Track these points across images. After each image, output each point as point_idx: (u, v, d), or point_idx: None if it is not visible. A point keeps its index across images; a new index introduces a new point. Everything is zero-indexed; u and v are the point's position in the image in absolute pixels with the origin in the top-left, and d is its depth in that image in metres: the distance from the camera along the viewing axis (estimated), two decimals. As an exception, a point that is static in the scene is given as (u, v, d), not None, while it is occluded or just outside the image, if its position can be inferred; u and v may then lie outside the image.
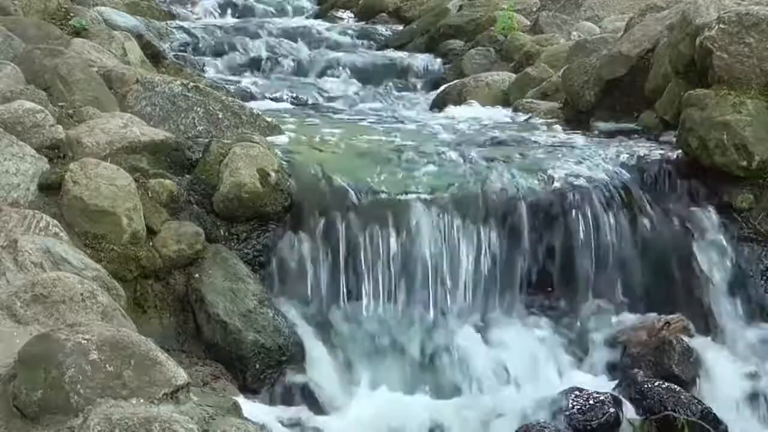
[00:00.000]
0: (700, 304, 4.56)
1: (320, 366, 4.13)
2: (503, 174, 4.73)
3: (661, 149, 5.05)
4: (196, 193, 4.44)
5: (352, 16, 11.15)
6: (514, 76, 7.23)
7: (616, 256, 4.59)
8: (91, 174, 4.07)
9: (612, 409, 3.90)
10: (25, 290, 3.30)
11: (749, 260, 4.62)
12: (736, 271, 4.61)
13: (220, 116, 5.24)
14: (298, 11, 11.49)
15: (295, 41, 9.19)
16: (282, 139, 5.19)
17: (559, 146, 5.22)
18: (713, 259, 4.62)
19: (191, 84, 5.45)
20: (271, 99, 7.56)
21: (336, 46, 9.27)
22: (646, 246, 4.63)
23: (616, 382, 4.20)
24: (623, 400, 4.01)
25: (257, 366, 4.01)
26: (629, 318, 4.51)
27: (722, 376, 4.28)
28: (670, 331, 4.36)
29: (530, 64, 7.38)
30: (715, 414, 4.00)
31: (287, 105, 7.44)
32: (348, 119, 6.30)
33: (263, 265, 4.38)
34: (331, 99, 7.75)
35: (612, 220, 4.62)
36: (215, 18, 10.72)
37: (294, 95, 7.70)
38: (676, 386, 4.07)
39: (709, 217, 4.69)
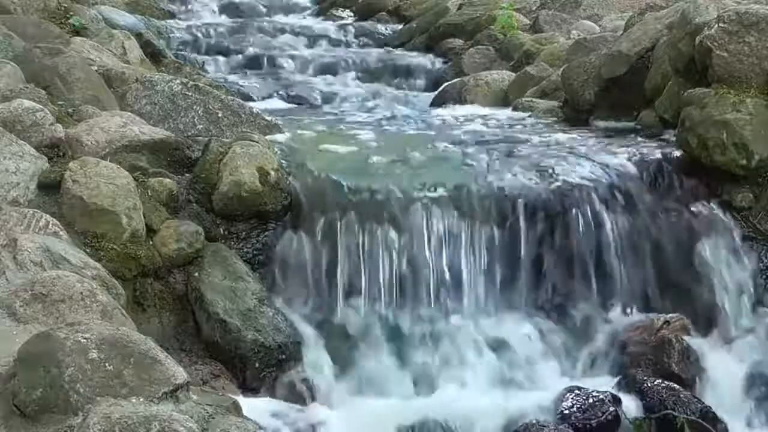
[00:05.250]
0: (700, 302, 4.56)
1: (319, 365, 4.13)
2: (503, 173, 4.73)
3: (661, 148, 5.05)
4: (195, 191, 4.44)
5: (352, 14, 11.14)
6: (513, 74, 7.23)
7: (616, 255, 4.59)
8: (91, 173, 4.07)
9: (611, 408, 3.90)
10: (24, 289, 3.30)
11: (749, 259, 4.62)
12: (735, 269, 4.61)
13: (219, 115, 5.24)
14: (298, 10, 11.48)
15: (295, 40, 9.19)
16: (281, 138, 5.19)
17: (558, 145, 5.21)
18: (713, 258, 4.61)
19: (191, 83, 5.45)
20: (271, 98, 7.56)
21: (335, 45, 9.27)
22: (645, 245, 4.63)
23: (616, 380, 4.20)
24: (623, 398, 4.01)
25: (257, 365, 4.01)
26: (629, 317, 4.51)
27: (722, 374, 4.29)
28: (669, 330, 4.36)
29: (530, 63, 7.38)
30: (714, 413, 4.00)
31: (287, 104, 7.45)
32: (347, 118, 6.30)
33: (263, 264, 4.38)
34: (330, 98, 7.75)
35: (612, 219, 4.62)
36: (215, 17, 10.71)
37: (293, 94, 7.70)
38: (675, 385, 4.07)
39: (708, 215, 4.69)
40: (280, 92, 7.69)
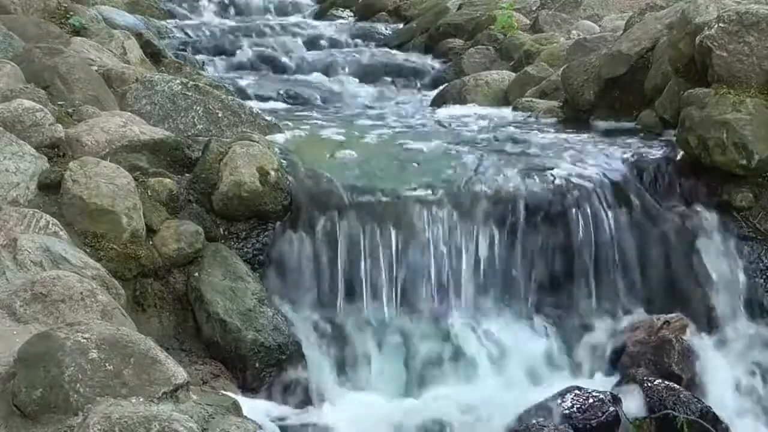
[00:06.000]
0: (700, 302, 4.56)
1: (319, 365, 4.13)
2: (503, 173, 4.73)
3: (661, 148, 5.05)
4: (195, 191, 4.44)
5: (352, 15, 11.14)
6: (513, 74, 7.23)
7: (616, 255, 4.59)
8: (91, 173, 4.07)
9: (612, 408, 3.91)
10: (24, 289, 3.30)
11: (749, 259, 4.62)
12: (735, 269, 4.61)
13: (219, 115, 5.25)
14: (298, 10, 11.49)
15: (295, 40, 9.19)
16: (281, 138, 5.19)
17: (558, 145, 5.22)
18: (713, 258, 4.61)
19: (191, 83, 5.45)
20: (271, 98, 7.56)
21: (336, 45, 9.27)
22: (645, 245, 4.63)
23: (616, 380, 4.20)
24: (623, 398, 4.01)
25: (257, 365, 4.01)
26: (629, 317, 4.51)
27: (722, 374, 4.29)
28: (669, 330, 4.36)
29: (530, 63, 7.39)
30: (714, 413, 4.00)
31: (287, 104, 7.45)
32: (347, 118, 6.30)
33: (263, 264, 4.38)
34: (330, 98, 7.75)
35: (611, 219, 4.62)
36: (215, 17, 10.72)
37: (294, 94, 7.70)
38: (675, 385, 4.07)
39: (708, 216, 4.69)
40: (280, 92, 7.69)
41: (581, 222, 4.59)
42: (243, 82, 7.81)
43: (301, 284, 4.37)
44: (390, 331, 4.33)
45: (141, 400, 2.76)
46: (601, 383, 4.18)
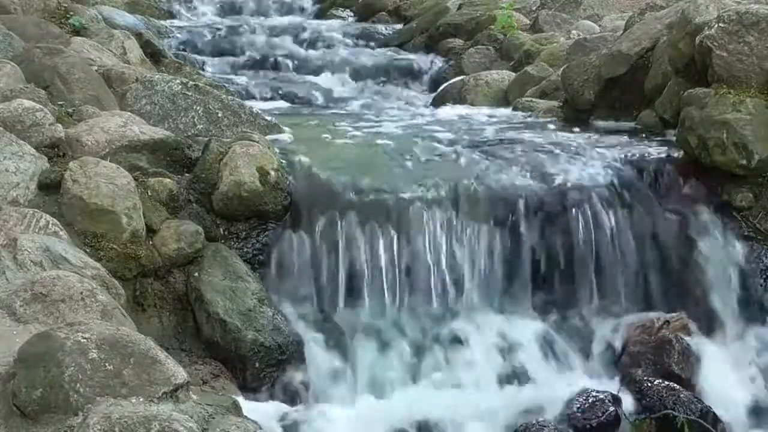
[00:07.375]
0: (700, 302, 4.56)
1: (319, 365, 4.13)
2: (503, 173, 4.73)
3: (661, 148, 5.05)
4: (195, 191, 4.44)
5: (352, 15, 11.14)
6: (513, 74, 7.23)
7: (616, 255, 4.59)
8: (91, 173, 4.07)
9: (612, 408, 3.91)
10: (24, 289, 3.30)
11: (749, 259, 4.62)
12: (735, 269, 4.61)
13: (219, 115, 5.25)
14: (298, 10, 11.48)
15: (295, 40, 9.19)
16: (282, 138, 5.19)
17: (558, 145, 5.21)
18: (713, 258, 4.61)
19: (191, 83, 5.45)
20: (271, 98, 7.56)
21: (336, 45, 9.27)
22: (645, 245, 4.63)
23: (616, 380, 4.20)
24: (623, 398, 4.01)
25: (257, 365, 4.01)
26: (629, 317, 4.51)
27: (722, 374, 4.29)
28: (669, 330, 4.36)
29: (530, 63, 7.39)
30: (714, 413, 4.00)
31: (287, 104, 7.45)
32: (347, 118, 6.30)
33: (263, 264, 4.38)
34: (330, 98, 7.75)
35: (612, 219, 4.62)
36: (215, 17, 10.71)
37: (294, 94, 7.70)
38: (675, 385, 4.07)
39: (708, 216, 4.69)
40: (280, 92, 7.69)
41: (581, 222, 4.59)
42: (243, 82, 7.81)
43: (301, 284, 4.37)
44: (390, 331, 4.33)
45: (141, 400, 2.76)
46: (601, 383, 4.18)
